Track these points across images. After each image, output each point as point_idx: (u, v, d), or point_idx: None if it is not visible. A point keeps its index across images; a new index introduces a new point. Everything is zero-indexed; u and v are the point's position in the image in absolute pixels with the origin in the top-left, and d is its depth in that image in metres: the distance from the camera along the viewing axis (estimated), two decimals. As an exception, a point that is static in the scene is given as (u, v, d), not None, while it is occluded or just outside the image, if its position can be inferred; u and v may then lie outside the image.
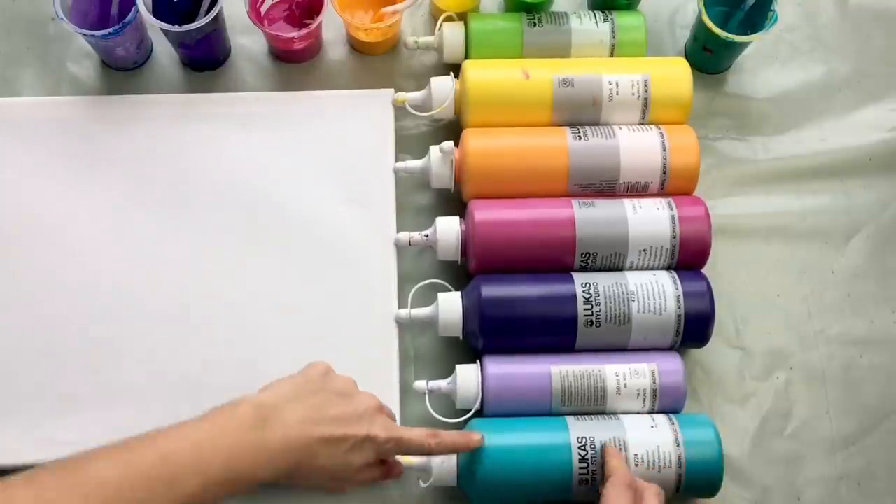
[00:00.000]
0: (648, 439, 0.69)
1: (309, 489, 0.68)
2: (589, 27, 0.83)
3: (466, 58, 0.83)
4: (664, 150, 0.77)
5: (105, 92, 0.85)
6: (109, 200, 0.79)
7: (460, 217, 0.77)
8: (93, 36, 0.77)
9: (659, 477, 0.69)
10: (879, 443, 0.78)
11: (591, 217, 0.75)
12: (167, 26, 0.77)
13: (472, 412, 0.72)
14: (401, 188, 0.81)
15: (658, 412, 0.73)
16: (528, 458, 0.69)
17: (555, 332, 0.73)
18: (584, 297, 0.72)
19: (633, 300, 0.72)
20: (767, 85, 0.88)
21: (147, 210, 0.79)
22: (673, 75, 0.80)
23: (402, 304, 0.77)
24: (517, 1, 0.83)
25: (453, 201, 0.81)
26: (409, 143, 0.83)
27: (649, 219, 0.75)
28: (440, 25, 0.83)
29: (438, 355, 0.78)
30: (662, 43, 0.89)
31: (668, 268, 0.76)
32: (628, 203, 0.76)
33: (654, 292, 0.73)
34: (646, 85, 0.79)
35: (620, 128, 0.78)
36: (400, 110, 0.82)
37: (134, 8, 0.78)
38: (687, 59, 0.84)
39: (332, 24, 0.86)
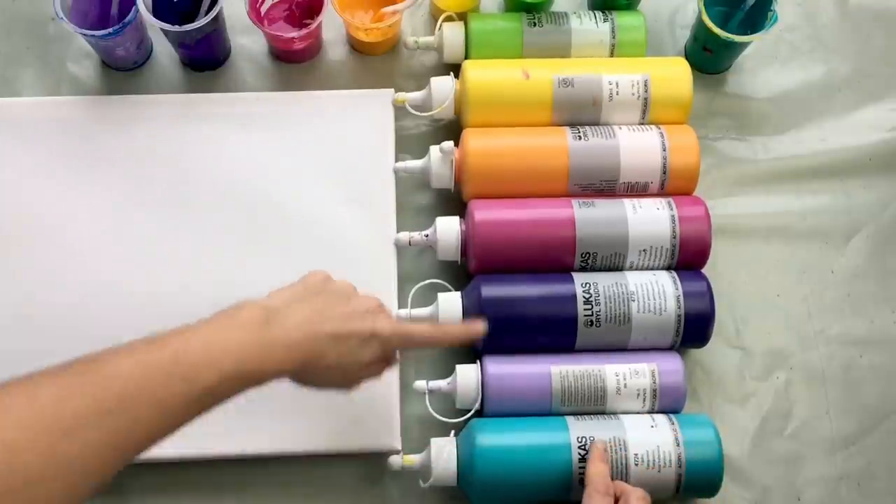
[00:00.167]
0: (648, 439, 0.69)
1: (322, 385, 0.67)
2: (589, 27, 0.83)
3: (466, 58, 0.83)
4: (664, 150, 0.77)
5: (105, 92, 0.85)
6: (109, 200, 0.79)
7: (460, 217, 0.77)
8: (93, 36, 0.77)
9: (659, 476, 0.69)
10: (879, 443, 0.78)
11: (591, 217, 0.75)
12: (167, 26, 0.77)
13: (472, 412, 0.72)
14: (401, 188, 0.81)
15: (658, 412, 0.73)
16: (528, 458, 0.69)
17: (555, 332, 0.73)
18: (584, 297, 0.72)
19: (633, 300, 0.72)
20: (767, 85, 0.88)
21: (147, 210, 0.79)
22: (673, 75, 0.80)
23: (402, 304, 0.77)
24: (517, 1, 0.83)
25: (453, 201, 0.81)
26: (409, 143, 0.83)
27: (649, 219, 0.75)
28: (440, 25, 0.83)
29: (438, 355, 0.78)
30: (662, 43, 0.89)
31: (668, 268, 0.76)
32: (628, 203, 0.76)
33: (654, 292, 0.73)
34: (646, 85, 0.79)
35: (620, 128, 0.78)
36: (400, 110, 0.82)
37: (134, 8, 0.78)
38: (687, 59, 0.84)
39: (332, 24, 0.86)
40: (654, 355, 0.74)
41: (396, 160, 0.81)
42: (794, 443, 0.77)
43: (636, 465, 0.69)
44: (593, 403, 0.72)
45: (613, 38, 0.83)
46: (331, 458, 0.75)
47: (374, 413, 0.74)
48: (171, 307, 0.76)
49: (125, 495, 0.74)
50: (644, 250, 0.75)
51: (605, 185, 0.77)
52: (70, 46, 0.86)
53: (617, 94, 0.79)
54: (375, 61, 0.87)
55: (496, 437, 0.70)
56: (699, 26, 0.83)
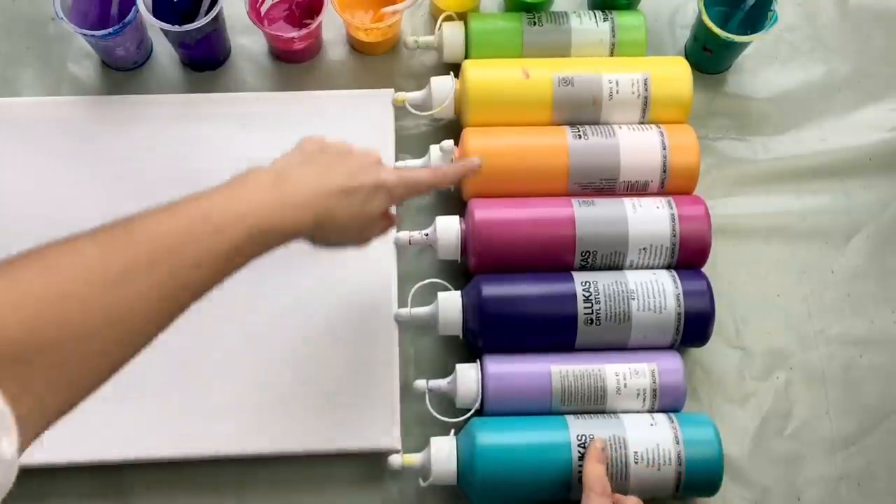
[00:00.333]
0: (648, 437, 0.69)
1: (332, 246, 0.67)
2: (589, 26, 0.83)
3: (466, 57, 0.83)
4: (664, 149, 0.77)
5: (105, 92, 0.85)
6: (109, 200, 0.79)
7: (460, 216, 0.77)
8: (93, 36, 0.77)
9: (658, 475, 0.69)
10: (879, 443, 0.78)
11: (591, 216, 0.75)
12: (167, 26, 0.77)
13: (472, 411, 0.72)
14: (401, 187, 0.81)
15: (658, 412, 0.73)
16: (528, 457, 0.69)
17: (555, 330, 0.73)
18: (583, 296, 0.72)
19: (633, 298, 0.72)
20: (767, 85, 0.88)
21: (147, 210, 0.79)
22: (673, 74, 0.80)
23: (402, 304, 0.77)
24: (517, 1, 0.83)
25: (453, 200, 0.81)
26: (409, 143, 0.83)
27: (649, 217, 0.75)
28: (440, 25, 0.83)
29: (438, 355, 0.78)
30: (662, 43, 0.89)
31: (669, 267, 0.76)
32: (628, 202, 0.76)
33: (654, 291, 0.73)
34: (646, 84, 0.79)
35: (620, 127, 0.78)
36: (400, 110, 0.82)
37: (134, 8, 0.78)
38: (687, 59, 0.84)
39: (332, 24, 0.86)
40: (654, 355, 0.74)
41: (396, 160, 0.81)
42: (794, 443, 0.77)
43: (636, 462, 0.69)
44: (593, 403, 0.72)
45: (613, 37, 0.83)
46: (331, 458, 0.75)
47: (373, 413, 0.74)
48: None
49: (125, 495, 0.74)
50: (644, 249, 0.75)
51: (605, 183, 0.77)
52: (70, 46, 0.86)
53: (617, 93, 0.79)
54: (375, 61, 0.87)
55: (496, 437, 0.70)
56: (699, 26, 0.83)
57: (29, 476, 0.73)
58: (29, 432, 0.44)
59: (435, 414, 0.72)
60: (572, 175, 0.77)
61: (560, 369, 0.72)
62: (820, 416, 0.78)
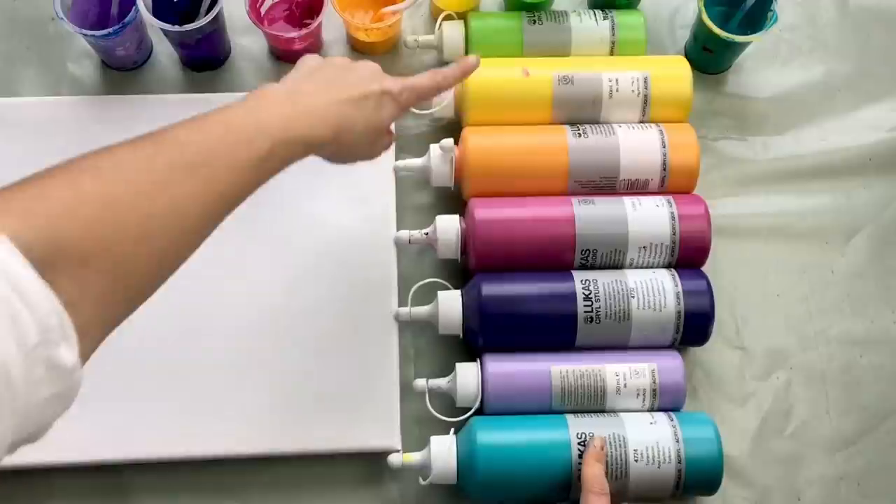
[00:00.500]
0: (647, 435, 0.69)
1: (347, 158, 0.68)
2: (589, 25, 0.83)
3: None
4: (664, 148, 0.77)
5: (105, 92, 0.85)
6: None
7: (460, 215, 0.77)
8: (93, 36, 0.77)
9: (658, 472, 0.69)
10: (879, 443, 0.78)
11: (590, 214, 0.75)
12: (167, 26, 0.77)
13: (471, 410, 0.72)
14: (401, 187, 0.81)
15: (658, 411, 0.73)
16: (528, 456, 0.69)
17: (555, 329, 0.73)
18: (583, 294, 0.72)
19: (633, 297, 0.73)
20: (767, 85, 0.88)
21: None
22: (673, 73, 0.80)
23: (402, 303, 0.77)
24: (517, 1, 0.84)
25: (453, 199, 0.81)
26: (409, 143, 0.83)
27: (649, 216, 0.75)
28: (440, 24, 0.83)
29: (438, 354, 0.78)
30: (662, 43, 0.89)
31: (669, 266, 0.76)
32: (628, 201, 0.76)
33: (654, 289, 0.73)
34: (646, 82, 0.79)
35: (620, 126, 0.78)
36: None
37: (134, 8, 0.78)
38: (687, 58, 0.84)
39: (332, 24, 0.86)
40: (654, 354, 0.74)
41: (396, 159, 0.81)
42: (794, 443, 0.77)
43: (636, 461, 0.68)
44: (593, 403, 0.72)
45: (613, 36, 0.83)
46: (331, 458, 0.75)
47: (373, 412, 0.74)
48: (167, 305, 0.77)
49: (126, 495, 0.74)
50: (644, 247, 0.75)
51: (604, 182, 0.77)
52: (70, 46, 0.86)
53: (617, 91, 0.79)
54: (375, 61, 0.87)
55: (496, 435, 0.70)
56: (699, 26, 0.83)
57: (29, 476, 0.74)
58: (91, 339, 0.44)
59: (435, 413, 0.72)
60: (572, 174, 0.77)
61: (560, 369, 0.72)
62: (820, 416, 0.78)
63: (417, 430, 0.75)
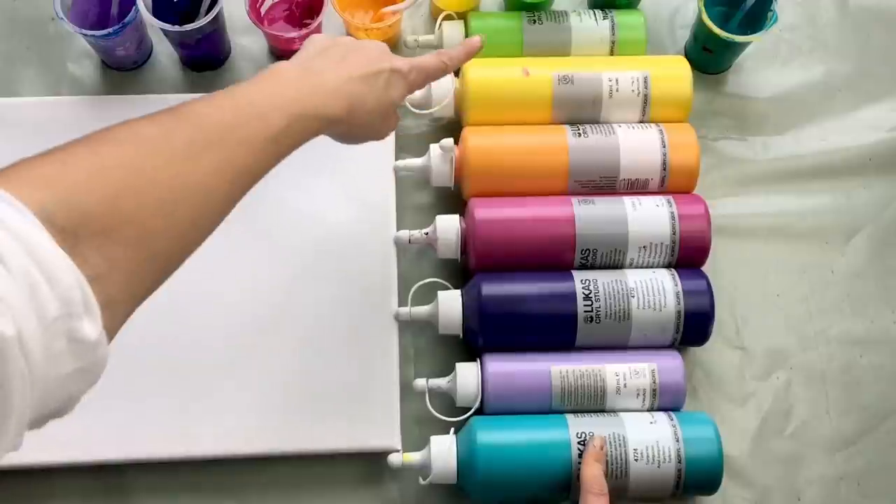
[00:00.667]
0: (647, 435, 0.69)
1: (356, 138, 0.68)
2: (589, 25, 0.83)
3: (466, 56, 0.83)
4: (664, 148, 0.77)
5: (105, 92, 0.85)
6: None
7: (460, 215, 0.77)
8: (93, 36, 0.77)
9: (658, 472, 0.69)
10: (879, 443, 0.78)
11: (590, 214, 0.75)
12: (167, 26, 0.77)
13: (471, 410, 0.72)
14: (401, 187, 0.81)
15: (658, 411, 0.73)
16: (528, 455, 0.69)
17: (555, 328, 0.73)
18: (583, 294, 0.72)
19: (633, 296, 0.73)
20: (767, 85, 0.88)
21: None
22: (673, 73, 0.80)
23: (402, 303, 0.77)
24: (517, 0, 0.84)
25: (453, 199, 0.81)
26: (409, 143, 0.83)
27: (649, 216, 0.75)
28: (440, 24, 0.83)
29: (438, 353, 0.78)
30: (662, 43, 0.89)
31: (669, 266, 0.76)
32: (628, 200, 0.76)
33: (654, 289, 0.73)
34: (646, 82, 0.79)
35: (620, 125, 0.78)
36: (400, 109, 0.82)
37: (134, 8, 0.78)
38: (687, 58, 0.84)
39: (332, 24, 0.86)
40: (654, 354, 0.74)
41: (396, 159, 0.81)
42: (794, 443, 0.77)
43: (636, 460, 0.68)
44: (593, 403, 0.72)
45: (613, 36, 0.83)
46: (331, 458, 0.75)
47: (373, 412, 0.74)
48: (167, 305, 0.77)
49: (126, 495, 0.74)
50: (644, 247, 0.75)
51: (604, 182, 0.77)
52: (70, 46, 0.86)
53: (617, 91, 0.79)
54: (375, 61, 0.87)
55: (496, 435, 0.70)
56: (699, 26, 0.83)
57: (30, 476, 0.74)
58: (119, 313, 0.44)
59: (435, 413, 0.72)
60: (572, 173, 0.77)
61: (560, 369, 0.72)
62: (820, 416, 0.78)
63: (417, 430, 0.75)
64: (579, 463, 0.68)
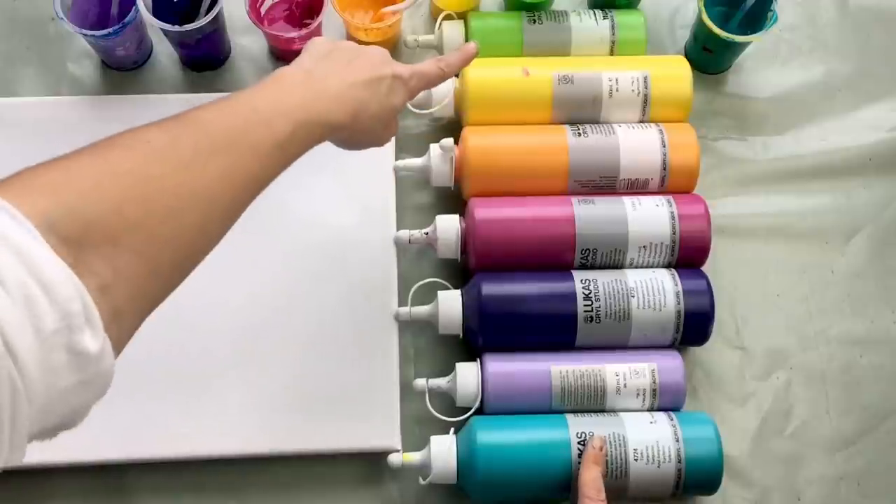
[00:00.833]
0: (647, 434, 0.69)
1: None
2: (589, 25, 0.83)
3: (466, 56, 0.83)
4: (664, 147, 0.77)
5: (105, 92, 0.85)
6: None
7: (460, 215, 0.77)
8: (93, 36, 0.77)
9: (658, 472, 0.69)
10: (879, 443, 0.78)
11: (590, 214, 0.75)
12: (167, 26, 0.77)
13: (472, 410, 0.72)
14: (401, 187, 0.81)
15: (658, 411, 0.73)
16: (528, 455, 0.69)
17: (555, 328, 0.73)
18: (583, 293, 0.72)
19: (633, 296, 0.73)
20: (767, 85, 0.88)
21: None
22: (673, 73, 0.80)
23: (402, 303, 0.77)
24: (517, 0, 0.84)
25: (453, 199, 0.81)
26: (409, 142, 0.83)
27: (649, 216, 0.75)
28: (440, 24, 0.83)
29: (438, 354, 0.78)
30: (662, 43, 0.89)
31: (669, 265, 0.76)
32: (628, 200, 0.76)
33: (654, 289, 0.73)
34: (646, 82, 0.79)
35: (620, 125, 0.78)
36: (399, 113, 0.82)
37: (134, 8, 0.78)
38: (687, 58, 0.84)
39: (332, 24, 0.86)
40: (654, 354, 0.74)
41: (396, 159, 0.81)
42: (794, 443, 0.77)
43: (636, 460, 0.68)
44: (593, 403, 0.72)
45: (613, 35, 0.83)
46: (331, 458, 0.75)
47: (373, 412, 0.74)
48: (168, 305, 0.77)
49: (127, 495, 0.74)
50: (644, 247, 0.75)
51: (604, 182, 0.77)
52: (70, 46, 0.86)
53: (617, 90, 0.79)
54: (375, 61, 0.87)
55: (496, 435, 0.70)
56: (699, 26, 0.83)
57: (30, 476, 0.74)
58: (128, 322, 0.44)
59: (435, 413, 0.72)
60: (572, 173, 0.77)
61: (560, 369, 0.72)
62: (820, 416, 0.78)
63: (417, 430, 0.75)
64: (579, 463, 0.68)
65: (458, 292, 0.75)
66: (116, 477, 0.74)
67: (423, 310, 0.75)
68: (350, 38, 0.86)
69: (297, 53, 0.84)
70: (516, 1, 0.84)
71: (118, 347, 0.43)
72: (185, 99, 0.84)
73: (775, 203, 0.84)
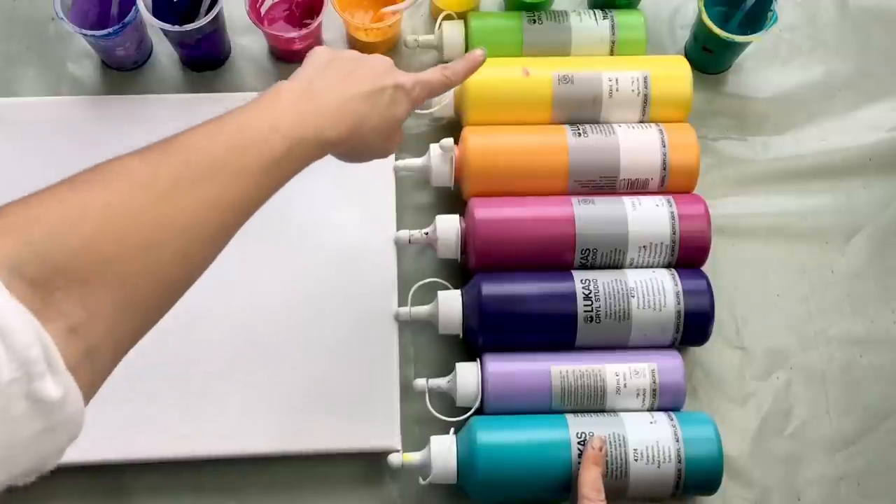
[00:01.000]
0: (647, 435, 0.69)
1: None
2: (589, 25, 0.83)
3: (466, 57, 0.83)
4: (664, 147, 0.77)
5: (105, 92, 0.85)
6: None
7: (460, 215, 0.77)
8: (93, 36, 0.77)
9: (658, 472, 0.69)
10: (879, 443, 0.78)
11: (590, 214, 0.75)
12: (167, 26, 0.77)
13: (471, 410, 0.72)
14: (401, 187, 0.81)
15: (658, 411, 0.73)
16: (528, 455, 0.69)
17: (555, 328, 0.73)
18: (583, 293, 0.72)
19: (633, 296, 0.73)
20: (767, 85, 0.88)
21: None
22: (673, 73, 0.80)
23: (402, 303, 0.77)
24: (517, 0, 0.84)
25: (453, 199, 0.81)
26: (409, 142, 0.83)
27: (649, 216, 0.75)
28: (440, 24, 0.83)
29: (438, 353, 0.78)
30: (662, 43, 0.89)
31: (669, 265, 0.76)
32: (628, 200, 0.76)
33: (654, 289, 0.73)
34: (646, 82, 0.79)
35: (620, 125, 0.78)
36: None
37: (134, 8, 0.78)
38: (687, 58, 0.84)
39: (332, 24, 0.86)
40: (654, 354, 0.74)
41: (396, 159, 0.81)
42: (794, 443, 0.77)
43: (636, 460, 0.68)
44: (593, 403, 0.72)
45: (613, 35, 0.83)
46: (331, 458, 0.75)
47: (373, 412, 0.74)
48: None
49: (126, 495, 0.74)
50: (644, 247, 0.75)
51: (604, 182, 0.77)
52: (70, 46, 0.86)
53: (617, 90, 0.79)
54: (375, 61, 0.87)
55: (496, 435, 0.70)
56: (699, 26, 0.83)
57: (29, 476, 0.73)
58: (104, 361, 0.43)
59: (435, 413, 0.72)
60: (572, 173, 0.77)
61: (560, 369, 0.72)
62: (820, 416, 0.78)
63: (417, 430, 0.75)
64: (579, 463, 0.68)
65: (458, 292, 0.75)
66: (115, 477, 0.74)
67: (423, 310, 0.75)
68: (350, 38, 0.86)
69: (297, 53, 0.85)
70: (516, 1, 0.84)
71: (95, 385, 0.42)
72: (184, 99, 0.84)
73: (775, 203, 0.84)
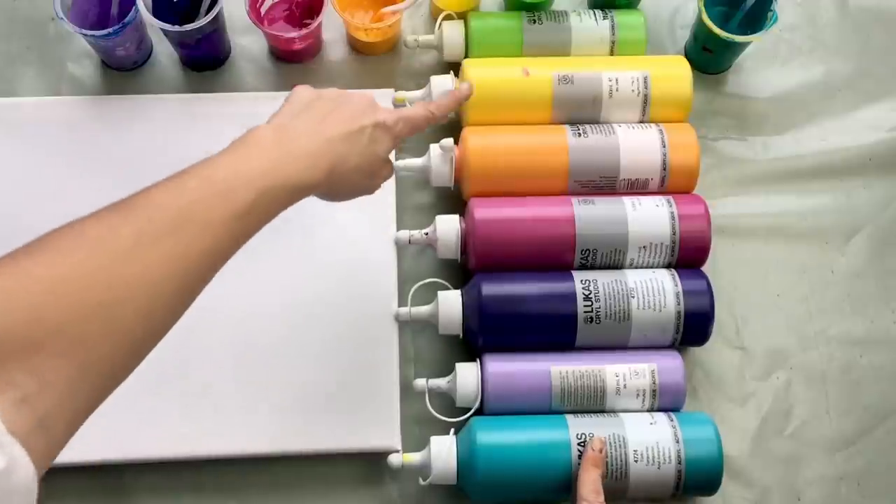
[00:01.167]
0: (647, 436, 0.69)
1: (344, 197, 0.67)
2: (589, 25, 0.83)
3: (466, 56, 0.83)
4: (664, 147, 0.77)
5: (105, 92, 0.85)
6: (109, 201, 0.79)
7: (460, 215, 0.77)
8: (93, 36, 0.77)
9: (658, 473, 0.69)
10: (879, 443, 0.78)
11: (590, 214, 0.75)
12: (167, 26, 0.77)
13: (471, 411, 0.72)
14: (401, 187, 0.81)
15: (658, 411, 0.73)
16: (528, 456, 0.69)
17: (555, 328, 0.73)
18: (583, 294, 0.72)
19: (633, 296, 0.73)
20: (767, 85, 0.88)
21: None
22: (673, 73, 0.80)
23: (402, 303, 0.77)
24: (517, 0, 0.84)
25: (453, 199, 0.81)
26: (409, 142, 0.83)
27: (649, 216, 0.75)
28: (440, 24, 0.83)
29: (438, 354, 0.78)
30: (662, 43, 0.89)
31: (669, 266, 0.76)
32: (628, 200, 0.76)
33: (654, 289, 0.73)
34: (646, 82, 0.79)
35: (620, 125, 0.78)
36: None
37: (134, 8, 0.78)
38: (687, 58, 0.84)
39: (332, 24, 0.86)
40: (654, 355, 0.74)
41: (396, 159, 0.81)
42: (794, 443, 0.77)
43: (636, 461, 0.69)
44: (593, 403, 0.72)
45: (613, 35, 0.83)
46: (331, 458, 0.75)
47: (373, 412, 0.74)
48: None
49: (126, 495, 0.74)
50: (644, 247, 0.75)
51: (604, 182, 0.77)
52: (70, 46, 0.86)
53: (617, 90, 0.79)
54: (375, 61, 0.87)
55: (496, 435, 0.70)
56: (699, 26, 0.83)
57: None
58: (60, 430, 0.42)
59: (435, 413, 0.72)
60: (572, 173, 0.77)
61: (560, 369, 0.72)
62: (820, 416, 0.78)
63: (417, 430, 0.75)
64: (579, 463, 0.68)
65: (458, 292, 0.75)
66: (115, 477, 0.74)
67: (423, 310, 0.75)
68: (350, 37, 0.86)
69: (297, 53, 0.85)
70: (516, 1, 0.84)
71: (51, 453, 0.41)
72: (184, 99, 0.84)
73: (775, 203, 0.84)
